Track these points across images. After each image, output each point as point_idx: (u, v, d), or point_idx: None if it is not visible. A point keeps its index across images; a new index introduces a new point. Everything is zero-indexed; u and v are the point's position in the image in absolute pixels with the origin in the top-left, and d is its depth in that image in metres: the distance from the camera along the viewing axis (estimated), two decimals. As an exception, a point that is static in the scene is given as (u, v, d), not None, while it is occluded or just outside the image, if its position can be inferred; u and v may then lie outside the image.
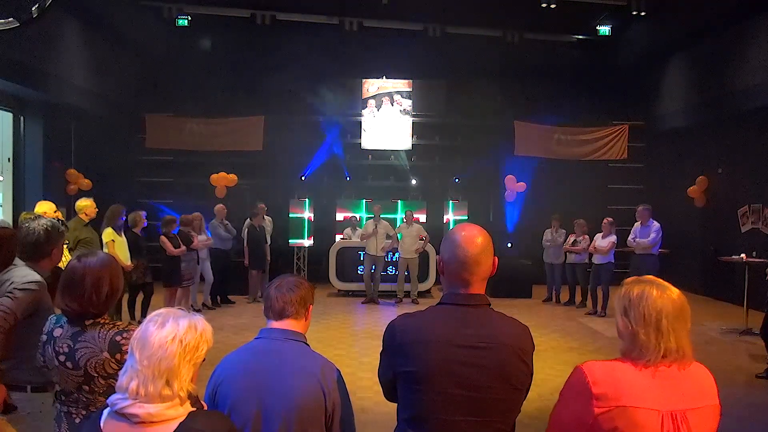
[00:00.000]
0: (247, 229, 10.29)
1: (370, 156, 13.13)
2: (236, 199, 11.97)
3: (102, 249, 6.73)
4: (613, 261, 9.51)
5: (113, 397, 1.51)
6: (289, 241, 12.15)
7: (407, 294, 10.56)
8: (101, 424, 1.51)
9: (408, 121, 12.87)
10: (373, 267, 10.36)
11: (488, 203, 12.65)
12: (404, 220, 10.60)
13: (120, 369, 1.57)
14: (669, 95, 12.28)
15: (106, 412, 1.53)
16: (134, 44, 11.88)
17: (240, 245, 10.31)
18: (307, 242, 12.30)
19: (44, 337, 2.24)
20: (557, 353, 6.98)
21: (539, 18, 11.22)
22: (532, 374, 1.84)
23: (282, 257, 11.93)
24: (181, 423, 1.48)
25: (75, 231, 6.67)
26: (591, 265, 9.76)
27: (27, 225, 2.85)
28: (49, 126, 9.87)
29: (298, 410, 1.93)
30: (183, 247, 8.27)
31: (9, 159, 9.53)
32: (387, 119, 12.85)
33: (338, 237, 11.84)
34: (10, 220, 8.24)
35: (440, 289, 1.98)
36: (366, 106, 12.85)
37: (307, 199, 12.20)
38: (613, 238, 9.48)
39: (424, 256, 10.66)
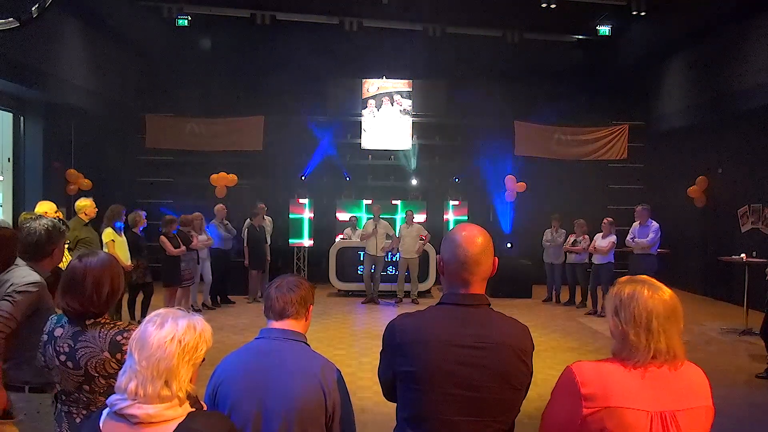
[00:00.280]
0: (247, 229, 10.29)
1: (370, 156, 13.14)
2: (236, 199, 11.97)
3: (102, 249, 6.73)
4: (613, 261, 9.51)
5: (112, 398, 1.51)
6: (290, 241, 12.15)
7: (407, 294, 10.56)
8: (100, 425, 1.51)
9: (408, 121, 12.88)
10: (373, 267, 10.36)
11: (488, 203, 12.64)
12: (405, 221, 10.60)
13: (120, 369, 1.57)
14: (669, 95, 12.28)
15: (105, 412, 1.53)
16: (134, 44, 11.88)
17: (240, 245, 10.31)
18: (307, 242, 12.31)
19: (45, 337, 2.24)
20: (557, 353, 6.98)
21: (539, 18, 11.22)
22: (531, 374, 1.84)
23: (282, 257, 11.93)
24: (180, 423, 1.48)
25: (75, 231, 6.67)
26: (591, 265, 9.76)
27: (28, 225, 2.86)
28: (49, 126, 9.87)
29: (299, 410, 1.93)
30: (183, 247, 8.27)
31: (9, 159, 9.53)
32: (387, 119, 12.85)
33: (338, 237, 11.84)
34: (10, 220, 8.25)
35: (440, 289, 1.98)
36: (366, 106, 12.85)
37: (307, 199, 12.20)
38: (613, 238, 9.48)
39: (424, 256, 10.66)
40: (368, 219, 10.87)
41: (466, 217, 12.23)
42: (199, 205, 10.25)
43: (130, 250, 7.24)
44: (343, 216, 12.26)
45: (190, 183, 12.47)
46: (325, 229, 12.50)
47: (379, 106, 12.85)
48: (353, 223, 11.70)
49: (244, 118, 12.53)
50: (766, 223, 9.78)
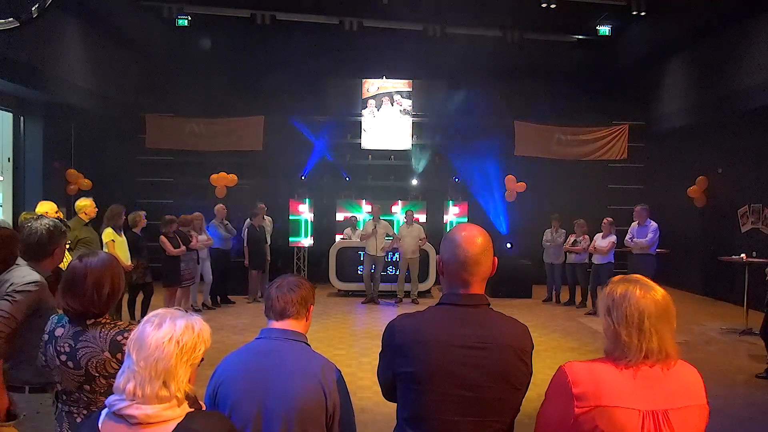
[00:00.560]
0: (247, 229, 10.29)
1: (370, 156, 13.13)
2: (236, 199, 11.97)
3: (102, 249, 6.73)
4: (612, 261, 9.51)
5: (111, 398, 1.50)
6: (290, 239, 12.15)
7: (407, 294, 10.56)
8: (99, 425, 1.51)
9: (408, 121, 12.88)
10: (373, 267, 10.36)
11: (488, 203, 12.65)
12: (405, 221, 10.60)
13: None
14: (669, 95, 12.28)
15: (104, 413, 1.53)
16: (134, 44, 11.88)
17: (240, 245, 10.32)
18: (307, 242, 12.31)
19: (46, 337, 2.25)
20: (557, 353, 6.98)
21: (539, 18, 11.22)
22: (531, 374, 1.84)
23: (282, 257, 11.93)
24: (179, 423, 1.48)
25: (75, 231, 6.67)
26: (591, 265, 9.77)
27: (29, 225, 2.86)
28: (49, 126, 9.87)
29: (299, 410, 1.94)
30: (183, 247, 8.28)
31: (9, 159, 9.53)
32: (387, 119, 12.85)
33: (338, 237, 11.84)
34: (10, 220, 8.26)
35: (440, 289, 1.98)
36: (366, 106, 12.85)
37: (306, 200, 12.21)
38: (613, 238, 9.48)
39: (424, 256, 10.66)
40: (368, 219, 10.88)
41: (466, 218, 12.24)
42: (199, 205, 10.25)
43: (130, 250, 7.24)
44: (346, 214, 12.27)
45: (190, 183, 12.46)
46: (325, 229, 12.50)
47: (379, 106, 12.85)
48: (353, 223, 11.71)
49: (244, 118, 12.53)
50: (766, 223, 9.78)
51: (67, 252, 5.38)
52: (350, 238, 11.27)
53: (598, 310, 1.74)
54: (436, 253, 2.01)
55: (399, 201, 12.45)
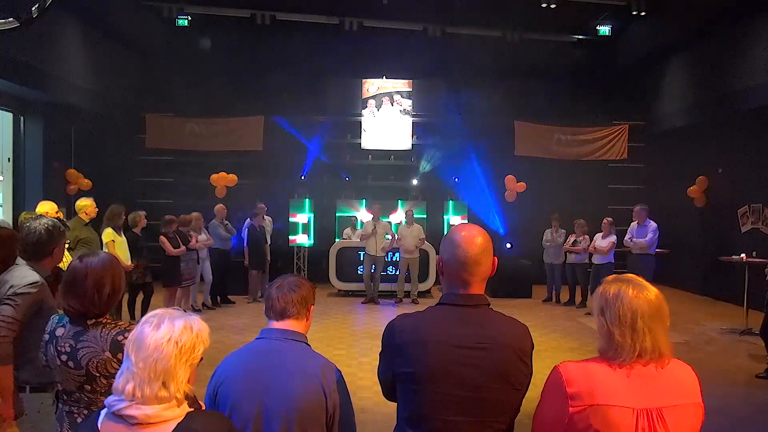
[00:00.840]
0: (247, 229, 10.29)
1: (370, 156, 13.14)
2: (236, 199, 11.98)
3: (102, 249, 6.73)
4: (613, 261, 9.51)
5: (110, 399, 1.50)
6: (290, 237, 12.15)
7: (407, 294, 10.56)
8: (99, 426, 1.51)
9: (408, 121, 12.88)
10: (373, 267, 10.36)
11: (488, 203, 12.65)
12: (405, 220, 10.61)
13: None
14: (669, 95, 12.28)
15: (103, 413, 1.53)
16: (134, 44, 11.88)
17: (240, 245, 10.32)
18: (307, 242, 12.31)
19: (46, 337, 2.25)
20: (557, 353, 6.99)
21: (539, 18, 11.22)
22: (531, 374, 1.84)
23: (282, 257, 11.93)
24: (179, 423, 1.48)
25: (75, 231, 6.67)
26: (591, 265, 9.77)
27: (28, 225, 2.86)
28: (49, 126, 9.87)
29: (299, 411, 1.94)
30: (182, 247, 8.28)
31: (9, 159, 9.53)
32: (387, 119, 12.85)
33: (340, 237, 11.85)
34: (10, 220, 8.25)
35: (440, 289, 1.98)
36: (366, 106, 12.86)
37: (306, 199, 12.20)
38: (613, 238, 9.48)
39: (424, 256, 10.67)
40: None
41: (466, 218, 12.24)
42: (199, 205, 10.25)
43: (130, 250, 7.24)
44: (349, 213, 12.29)
45: (190, 183, 12.47)
46: (325, 229, 12.50)
47: (379, 106, 12.85)
48: (353, 222, 11.72)
49: (244, 118, 12.53)
50: (766, 223, 9.78)
51: (67, 252, 5.40)
52: (350, 238, 11.27)
53: (592, 310, 1.75)
54: (436, 253, 2.01)
55: (398, 206, 12.39)
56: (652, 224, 8.87)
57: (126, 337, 2.11)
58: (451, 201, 12.49)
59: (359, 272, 10.89)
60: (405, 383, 1.81)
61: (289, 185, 12.56)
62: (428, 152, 13.01)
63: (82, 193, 9.59)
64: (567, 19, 11.54)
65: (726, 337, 8.06)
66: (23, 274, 2.67)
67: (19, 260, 2.77)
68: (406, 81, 12.89)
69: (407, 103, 12.87)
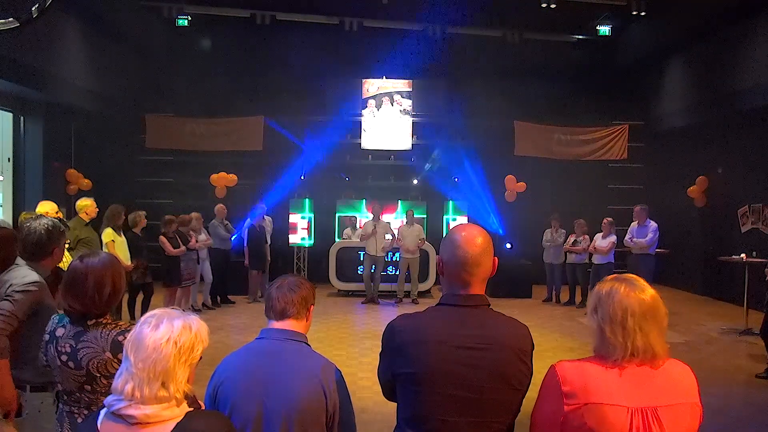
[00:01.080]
0: (247, 229, 10.30)
1: (370, 156, 13.13)
2: (236, 199, 11.98)
3: (102, 249, 6.74)
4: (613, 261, 9.52)
5: (109, 398, 1.50)
6: (289, 237, 12.15)
7: (407, 294, 10.56)
8: (99, 425, 1.51)
9: (408, 121, 12.87)
10: (373, 267, 10.37)
11: (488, 203, 12.64)
12: (405, 220, 10.61)
13: None
14: (669, 95, 12.28)
15: (102, 412, 1.53)
16: (134, 44, 11.88)
17: (240, 245, 10.32)
18: (307, 242, 12.30)
19: (47, 337, 2.25)
20: (557, 353, 6.99)
21: (539, 18, 11.22)
22: (531, 374, 1.84)
23: (282, 257, 11.93)
24: (178, 423, 1.48)
25: (75, 230, 6.68)
26: (591, 265, 9.77)
27: (28, 225, 2.86)
28: (49, 126, 9.87)
29: (299, 411, 1.94)
30: (182, 248, 8.28)
31: (9, 159, 9.53)
32: (387, 119, 12.85)
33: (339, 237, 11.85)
34: (10, 220, 8.25)
35: (440, 289, 1.98)
36: (366, 106, 12.85)
37: (306, 199, 12.20)
38: (613, 238, 9.49)
39: (424, 256, 10.67)
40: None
41: (466, 218, 12.23)
42: (199, 205, 10.25)
43: (130, 250, 7.24)
44: (350, 213, 12.31)
45: (190, 183, 12.46)
46: (325, 229, 12.50)
47: (379, 106, 12.85)
48: (353, 222, 11.72)
49: (244, 118, 12.52)
50: (766, 223, 9.78)
51: (67, 252, 5.40)
52: (350, 238, 11.28)
53: (587, 309, 1.76)
54: (437, 253, 2.01)
55: (399, 206, 12.39)
56: (653, 224, 8.87)
57: (126, 337, 2.12)
58: (451, 201, 12.48)
59: (359, 272, 10.90)
60: (405, 383, 1.81)
61: (290, 185, 12.54)
62: (428, 152, 13.00)
63: (82, 193, 9.59)
64: (567, 19, 11.53)
65: (726, 337, 8.06)
66: (23, 274, 2.68)
67: (19, 260, 2.77)
68: (406, 81, 12.88)
69: (407, 103, 12.87)
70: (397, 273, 10.68)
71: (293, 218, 12.13)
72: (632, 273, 1.86)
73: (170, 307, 1.63)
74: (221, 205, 10.28)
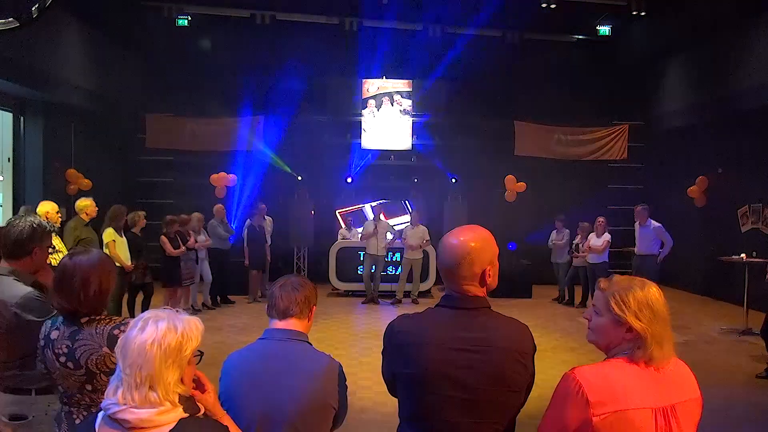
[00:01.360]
0: (247, 229, 10.30)
1: (370, 156, 13.12)
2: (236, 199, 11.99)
3: (102, 249, 6.73)
4: (607, 260, 9.56)
5: (105, 402, 1.49)
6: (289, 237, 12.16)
7: (407, 294, 10.56)
8: (96, 429, 1.51)
9: (408, 121, 12.86)
10: (374, 267, 10.37)
11: (488, 203, 12.63)
12: (410, 222, 10.62)
13: None
14: (669, 95, 12.28)
15: (100, 416, 1.53)
16: (134, 44, 11.88)
17: (240, 245, 10.32)
18: (307, 242, 12.29)
19: (42, 342, 2.23)
20: (557, 353, 6.99)
21: (539, 18, 11.22)
22: (532, 375, 1.84)
23: (282, 257, 11.93)
24: (170, 430, 1.47)
25: (75, 230, 6.68)
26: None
27: (13, 221, 2.75)
28: (49, 126, 9.86)
29: (305, 410, 1.95)
30: (182, 248, 8.28)
31: (9, 159, 9.52)
32: (387, 119, 12.84)
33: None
34: (10, 221, 8.23)
35: (440, 289, 1.98)
36: (366, 106, 12.84)
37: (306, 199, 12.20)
38: (607, 236, 9.53)
39: (425, 256, 10.67)
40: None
41: (466, 218, 12.22)
42: (199, 205, 10.25)
43: (129, 250, 7.24)
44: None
45: (190, 183, 12.45)
46: (325, 229, 12.49)
47: (379, 106, 12.84)
48: (349, 223, 11.72)
49: (243, 118, 12.52)
50: (766, 223, 9.78)
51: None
52: (345, 238, 11.29)
53: (599, 308, 1.73)
54: (437, 254, 2.00)
55: (398, 206, 12.38)
56: (655, 223, 8.88)
57: (122, 331, 2.11)
58: (450, 201, 12.47)
59: (359, 272, 10.90)
60: (404, 383, 1.82)
61: (290, 185, 12.54)
62: (428, 152, 12.99)
63: (82, 193, 9.58)
64: (567, 19, 11.54)
65: (726, 337, 8.06)
66: (10, 286, 2.56)
67: (1, 267, 2.66)
68: (406, 81, 12.87)
69: (407, 103, 12.86)
70: (397, 273, 10.68)
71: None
72: (637, 274, 1.86)
73: (163, 307, 1.61)
74: (220, 205, 10.28)
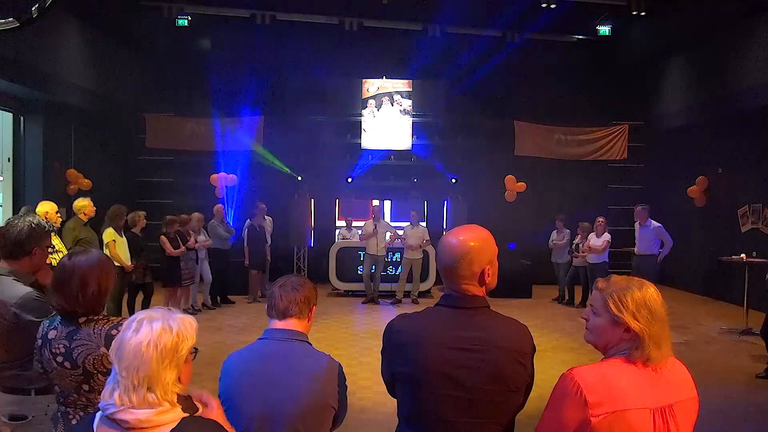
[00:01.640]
0: (247, 229, 10.30)
1: (370, 156, 13.12)
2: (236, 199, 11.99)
3: (102, 248, 6.73)
4: (607, 260, 9.55)
5: (104, 402, 1.49)
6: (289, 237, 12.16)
7: (407, 294, 10.55)
8: (94, 429, 1.50)
9: (408, 121, 12.87)
10: (373, 267, 10.37)
11: (488, 203, 12.63)
12: (410, 221, 10.61)
13: None
14: (669, 95, 12.28)
15: (98, 416, 1.52)
16: (134, 44, 11.88)
17: (239, 245, 10.33)
18: (307, 242, 12.30)
19: (39, 342, 2.22)
20: (557, 353, 6.99)
21: (539, 18, 11.22)
22: (532, 375, 1.84)
23: (282, 257, 11.93)
24: (172, 430, 1.46)
25: (74, 231, 6.67)
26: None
27: (12, 221, 2.75)
28: (49, 126, 9.86)
29: (305, 410, 1.95)
30: (182, 248, 8.28)
31: (9, 159, 9.52)
32: (387, 119, 12.84)
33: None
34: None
35: (440, 289, 1.98)
36: (366, 106, 12.85)
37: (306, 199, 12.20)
38: (607, 236, 9.53)
39: (425, 256, 10.67)
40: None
41: (466, 218, 12.22)
42: (199, 205, 10.24)
43: (130, 250, 7.24)
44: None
45: (190, 183, 12.45)
46: (325, 229, 12.49)
47: (379, 106, 12.85)
48: (349, 223, 11.73)
49: (244, 118, 12.52)
50: (766, 223, 9.78)
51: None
52: (345, 238, 11.29)
53: (597, 308, 1.72)
54: (437, 254, 2.00)
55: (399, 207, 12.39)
56: (655, 223, 8.88)
57: (119, 331, 2.10)
58: (450, 201, 12.47)
59: (359, 272, 10.90)
60: (403, 383, 1.82)
61: (290, 185, 12.54)
62: (428, 152, 12.99)
63: (81, 193, 9.58)
64: (567, 19, 11.53)
65: (726, 337, 8.06)
66: (9, 286, 2.56)
67: (1, 267, 2.66)
68: (406, 81, 12.87)
69: (407, 103, 12.86)
70: (398, 273, 10.68)
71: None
72: (636, 274, 1.86)
73: (159, 307, 1.60)
74: (220, 205, 10.29)
